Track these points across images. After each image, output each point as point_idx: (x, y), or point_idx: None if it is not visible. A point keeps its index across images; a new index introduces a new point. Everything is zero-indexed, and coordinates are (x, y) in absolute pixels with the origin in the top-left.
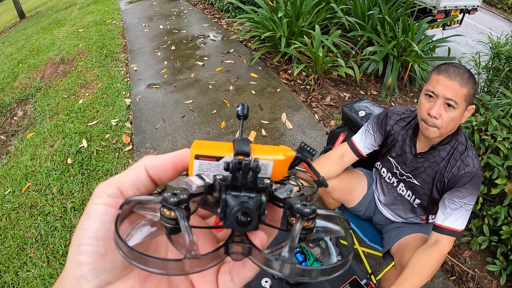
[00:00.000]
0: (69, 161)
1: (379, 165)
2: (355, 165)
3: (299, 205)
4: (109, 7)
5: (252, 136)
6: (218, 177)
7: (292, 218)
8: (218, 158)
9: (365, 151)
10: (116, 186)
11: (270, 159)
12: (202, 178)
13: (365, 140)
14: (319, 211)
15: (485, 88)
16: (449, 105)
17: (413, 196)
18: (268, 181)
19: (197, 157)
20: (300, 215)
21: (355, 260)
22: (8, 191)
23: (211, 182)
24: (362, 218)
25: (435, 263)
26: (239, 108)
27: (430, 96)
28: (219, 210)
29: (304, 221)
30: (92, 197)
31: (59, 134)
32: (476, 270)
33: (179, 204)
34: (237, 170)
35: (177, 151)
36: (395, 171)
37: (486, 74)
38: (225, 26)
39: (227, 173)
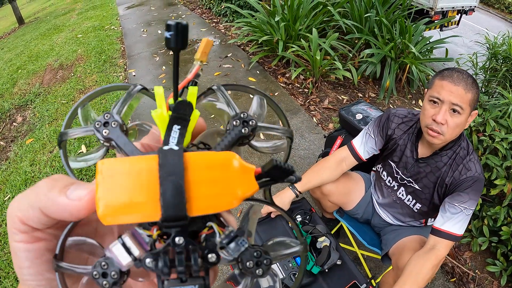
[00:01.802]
0: None
1: (380, 168)
2: (352, 168)
3: (251, 265)
4: (107, 13)
5: (205, 49)
6: (148, 263)
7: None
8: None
9: (365, 155)
10: (21, 221)
11: (217, 211)
12: (127, 249)
13: (365, 144)
14: (275, 256)
15: (483, 89)
16: (454, 110)
17: (414, 201)
18: (214, 259)
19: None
20: (252, 276)
21: (354, 263)
22: (7, 197)
23: (140, 260)
24: (360, 221)
25: (431, 269)
26: (168, 33)
27: (435, 102)
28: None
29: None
30: (8, 228)
31: None
32: (476, 271)
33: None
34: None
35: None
36: (395, 175)
37: (484, 75)
38: (223, 30)
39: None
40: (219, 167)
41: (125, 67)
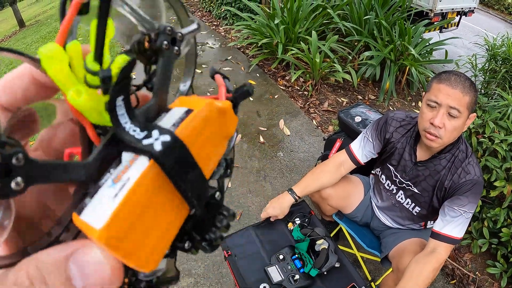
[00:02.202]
0: None
1: (379, 171)
2: (351, 171)
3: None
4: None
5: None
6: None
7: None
8: None
9: (363, 159)
10: None
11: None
12: None
13: (363, 148)
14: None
15: (482, 90)
16: (452, 114)
17: (413, 204)
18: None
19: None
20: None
21: (353, 266)
22: None
23: None
24: (360, 224)
25: (432, 272)
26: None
27: (432, 105)
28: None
29: None
30: None
31: None
32: (476, 273)
33: None
34: None
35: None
36: (394, 178)
37: (483, 76)
38: (223, 33)
39: None
40: (207, 123)
41: None
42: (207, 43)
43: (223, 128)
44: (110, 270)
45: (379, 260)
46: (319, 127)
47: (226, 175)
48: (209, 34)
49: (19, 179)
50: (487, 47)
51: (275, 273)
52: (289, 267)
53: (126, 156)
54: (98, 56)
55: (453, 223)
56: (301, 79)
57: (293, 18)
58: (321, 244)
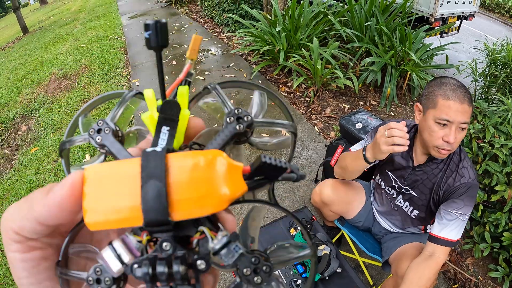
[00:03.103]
0: None
1: (379, 177)
2: None
3: (248, 272)
4: (111, 22)
5: (194, 46)
6: (137, 272)
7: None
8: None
9: None
10: (15, 232)
11: (202, 214)
12: (117, 254)
13: None
14: (275, 268)
15: (482, 95)
16: (463, 127)
17: (411, 208)
18: (203, 266)
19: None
20: (249, 284)
21: (355, 271)
22: None
23: (130, 267)
24: (361, 229)
25: (432, 276)
26: (148, 34)
27: (444, 123)
28: None
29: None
30: (3, 239)
31: None
32: (479, 277)
33: None
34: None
35: (66, 184)
36: (393, 184)
37: (483, 81)
38: (225, 40)
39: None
40: (203, 167)
41: (129, 76)
42: (210, 50)
43: (217, 182)
44: (71, 181)
45: (380, 265)
46: (321, 133)
47: (254, 280)
48: (212, 41)
49: (100, 137)
50: (487, 52)
51: (282, 278)
52: (291, 272)
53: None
54: (163, 97)
55: (450, 226)
56: (303, 86)
57: (294, 25)
58: (323, 250)
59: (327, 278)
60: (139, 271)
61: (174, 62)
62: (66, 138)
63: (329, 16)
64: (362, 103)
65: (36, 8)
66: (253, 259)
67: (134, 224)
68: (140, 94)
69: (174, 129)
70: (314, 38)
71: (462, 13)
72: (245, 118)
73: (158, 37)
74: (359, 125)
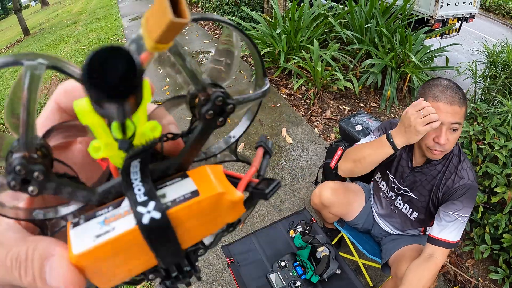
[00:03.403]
0: None
1: (379, 178)
2: (352, 178)
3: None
4: (112, 24)
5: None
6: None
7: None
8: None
9: None
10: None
11: (206, 236)
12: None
13: None
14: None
15: (482, 97)
16: (454, 128)
17: (410, 210)
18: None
19: None
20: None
21: (354, 272)
22: None
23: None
24: (361, 231)
25: (431, 277)
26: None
27: None
28: None
29: None
30: None
31: None
32: (479, 279)
33: None
34: None
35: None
36: (392, 185)
37: (483, 83)
38: None
39: None
40: (208, 211)
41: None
42: (210, 52)
43: (224, 216)
44: (69, 282)
45: (380, 266)
46: (321, 135)
47: (228, 231)
48: (212, 43)
49: (35, 188)
50: (487, 54)
51: (277, 280)
52: (291, 274)
53: (125, 203)
54: (122, 128)
55: (449, 227)
56: (303, 88)
57: (295, 27)
58: (322, 251)
59: (326, 279)
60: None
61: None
62: None
63: (329, 18)
64: (363, 105)
65: (37, 9)
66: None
67: (146, 269)
68: (54, 68)
69: (147, 158)
70: (314, 40)
71: (462, 14)
72: (228, 109)
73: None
74: (358, 127)
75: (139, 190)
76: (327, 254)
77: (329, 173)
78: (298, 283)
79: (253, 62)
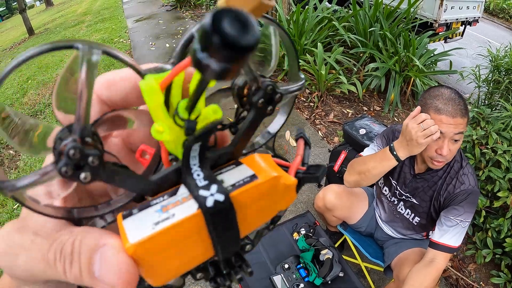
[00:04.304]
0: None
1: (381, 183)
2: None
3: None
4: (116, 25)
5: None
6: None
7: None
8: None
9: None
10: None
11: (262, 224)
12: None
13: None
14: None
15: (486, 101)
16: (456, 138)
17: (412, 215)
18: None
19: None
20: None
21: (357, 275)
22: (16, 205)
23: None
24: (364, 234)
25: (432, 282)
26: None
27: None
28: None
29: None
30: None
31: None
32: (481, 283)
33: None
34: None
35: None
36: (395, 191)
37: (487, 87)
38: None
39: None
40: (267, 196)
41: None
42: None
43: (279, 202)
44: (125, 275)
45: (382, 270)
46: (325, 138)
47: (268, 229)
48: None
49: (88, 174)
50: (490, 58)
51: (280, 282)
52: (294, 276)
53: (182, 190)
54: (190, 107)
55: (451, 232)
56: (307, 91)
57: (299, 30)
58: (326, 254)
59: (329, 282)
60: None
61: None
62: None
63: (333, 22)
64: (366, 109)
65: (42, 10)
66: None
67: (202, 261)
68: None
69: (206, 142)
70: (319, 43)
71: (466, 18)
72: (276, 97)
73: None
74: (362, 131)
75: (198, 175)
76: (331, 257)
77: (333, 177)
78: (302, 285)
79: (288, 57)
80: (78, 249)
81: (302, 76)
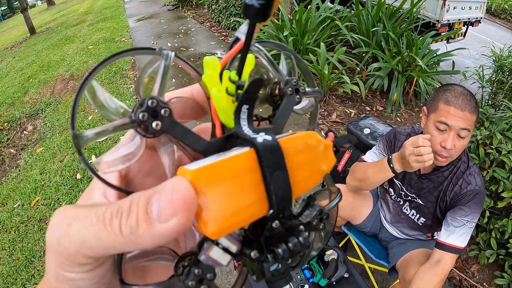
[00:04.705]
0: (78, 176)
1: (386, 184)
2: None
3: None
4: (118, 25)
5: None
6: (253, 255)
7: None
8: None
9: None
10: (86, 255)
11: (310, 188)
12: (225, 249)
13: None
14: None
15: (489, 101)
16: (462, 135)
17: (418, 215)
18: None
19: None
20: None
21: (361, 276)
22: (17, 204)
23: (240, 254)
24: (368, 234)
25: (439, 282)
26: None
27: (442, 128)
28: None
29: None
30: (60, 264)
31: (69, 149)
32: (484, 284)
33: None
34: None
35: (179, 208)
36: (400, 191)
37: (490, 87)
38: None
39: None
40: (307, 149)
41: (135, 79)
42: (216, 53)
43: (319, 161)
44: (186, 199)
45: (386, 270)
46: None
47: (319, 227)
48: (218, 45)
49: (159, 123)
50: (494, 58)
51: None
52: (299, 277)
53: (234, 150)
54: (239, 73)
55: (457, 233)
56: None
57: (301, 30)
58: (330, 255)
59: (334, 283)
60: (257, 254)
61: (180, 65)
62: (74, 121)
63: (336, 21)
64: (369, 109)
65: (43, 9)
66: (318, 211)
67: (257, 217)
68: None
69: (252, 107)
70: (321, 43)
71: (468, 19)
72: (301, 89)
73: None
74: (367, 131)
75: (248, 130)
76: (335, 258)
77: (336, 176)
78: (306, 286)
79: (305, 77)
80: (136, 201)
81: (320, 90)
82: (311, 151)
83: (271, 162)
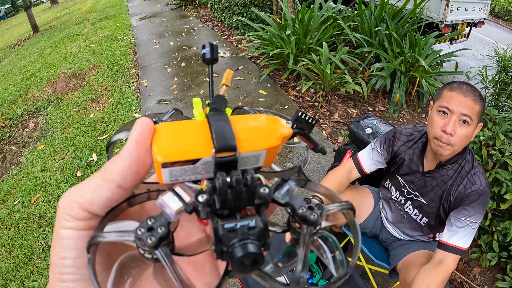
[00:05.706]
0: (79, 174)
1: (388, 183)
2: (361, 182)
3: (303, 210)
4: (121, 23)
5: (228, 77)
6: (200, 198)
7: (296, 224)
8: (193, 161)
9: (369, 168)
10: (82, 208)
11: (263, 147)
12: (178, 196)
13: (371, 158)
14: (326, 207)
15: (493, 102)
16: (464, 121)
17: (420, 215)
18: (267, 191)
19: (165, 165)
20: (306, 223)
21: (361, 277)
22: (17, 201)
23: (192, 204)
24: (369, 235)
25: (440, 283)
26: (205, 50)
27: (444, 112)
28: (212, 243)
29: (311, 227)
30: (59, 218)
31: (70, 147)
32: (486, 286)
33: (159, 243)
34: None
35: (131, 145)
36: (402, 189)
37: (494, 88)
38: (234, 43)
39: (207, 175)
40: (255, 119)
41: (137, 77)
42: (219, 52)
43: (273, 127)
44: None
45: (387, 272)
46: (329, 138)
47: (311, 217)
48: (221, 44)
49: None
50: (498, 59)
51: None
52: None
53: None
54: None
55: (460, 233)
56: (312, 90)
57: (304, 29)
58: None
59: None
60: (204, 199)
61: (183, 64)
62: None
63: (338, 21)
64: (371, 109)
65: (47, 7)
66: (304, 199)
67: (203, 155)
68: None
69: None
70: (324, 43)
71: (472, 20)
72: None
73: (212, 53)
74: (368, 130)
75: None
76: None
77: None
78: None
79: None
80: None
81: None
82: (259, 121)
83: (216, 117)
